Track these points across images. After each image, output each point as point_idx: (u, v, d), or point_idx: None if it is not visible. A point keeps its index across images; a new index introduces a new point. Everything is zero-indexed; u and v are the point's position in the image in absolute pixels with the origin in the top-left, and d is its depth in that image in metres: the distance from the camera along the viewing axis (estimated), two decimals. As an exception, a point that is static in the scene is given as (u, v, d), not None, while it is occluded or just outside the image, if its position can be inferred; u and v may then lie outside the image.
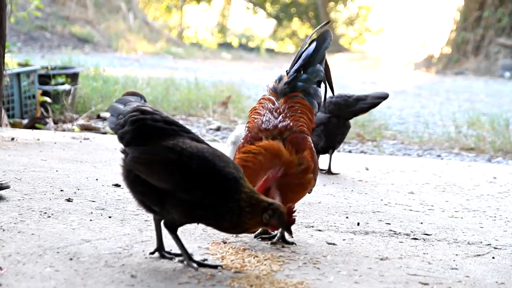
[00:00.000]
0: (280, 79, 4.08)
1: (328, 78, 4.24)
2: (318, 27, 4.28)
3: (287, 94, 4.01)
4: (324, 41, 4.17)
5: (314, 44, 4.13)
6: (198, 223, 3.38)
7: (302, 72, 4.08)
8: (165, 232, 3.43)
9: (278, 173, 3.67)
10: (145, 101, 3.54)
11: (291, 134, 3.82)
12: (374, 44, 37.53)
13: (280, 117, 3.89)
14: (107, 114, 9.72)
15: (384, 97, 6.31)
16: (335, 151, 6.42)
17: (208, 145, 3.34)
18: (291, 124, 3.86)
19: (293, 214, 3.35)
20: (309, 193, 4.00)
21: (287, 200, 3.67)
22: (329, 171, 6.19)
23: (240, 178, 3.25)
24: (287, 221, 3.32)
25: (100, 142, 7.03)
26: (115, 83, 11.82)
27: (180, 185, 3.19)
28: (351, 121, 6.44)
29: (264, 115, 3.92)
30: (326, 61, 4.23)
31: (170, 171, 3.20)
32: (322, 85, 4.22)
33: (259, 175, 3.68)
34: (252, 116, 3.98)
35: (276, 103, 3.98)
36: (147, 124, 3.30)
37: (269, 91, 4.07)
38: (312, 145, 3.92)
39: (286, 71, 4.13)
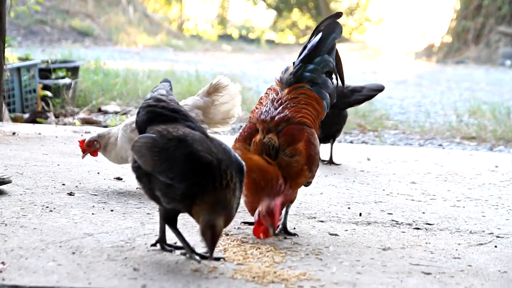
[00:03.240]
0: (286, 69, 4.06)
1: (339, 70, 4.21)
2: (327, 17, 4.22)
3: (292, 84, 3.99)
4: (331, 32, 4.12)
5: (319, 35, 4.10)
6: (177, 207, 3.35)
7: (308, 62, 4.04)
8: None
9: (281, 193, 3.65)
10: (170, 87, 3.66)
11: (287, 126, 3.80)
12: (375, 34, 37.46)
13: (280, 108, 3.87)
14: (108, 108, 9.74)
15: (380, 89, 6.32)
16: (336, 141, 6.40)
17: (204, 133, 3.35)
18: (289, 115, 3.84)
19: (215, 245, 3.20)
20: (306, 186, 3.99)
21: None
22: (330, 161, 6.19)
23: (222, 170, 3.20)
24: (209, 244, 3.19)
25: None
26: (115, 77, 11.81)
27: (158, 166, 3.22)
28: (351, 111, 6.42)
29: (265, 106, 3.92)
30: (337, 52, 4.19)
31: (152, 153, 3.25)
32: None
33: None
34: (256, 105, 3.99)
35: (280, 93, 3.97)
36: (153, 111, 3.43)
37: (276, 81, 4.06)
38: (313, 136, 3.89)
39: (293, 62, 4.11)
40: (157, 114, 3.42)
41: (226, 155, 3.25)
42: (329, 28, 4.12)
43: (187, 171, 3.18)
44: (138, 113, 3.52)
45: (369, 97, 6.30)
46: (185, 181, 3.17)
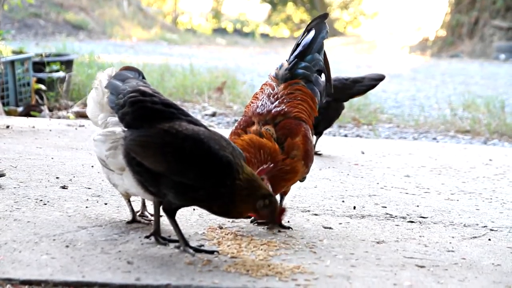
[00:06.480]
0: (281, 66, 4.06)
1: (327, 70, 4.22)
2: (316, 17, 4.24)
3: (288, 80, 3.99)
4: (321, 31, 4.14)
5: (312, 32, 4.11)
6: (192, 205, 3.36)
7: (301, 59, 4.05)
8: (163, 218, 3.43)
9: (269, 168, 3.61)
10: (143, 77, 3.54)
11: (284, 120, 3.80)
12: (369, 28, 37.49)
13: (276, 102, 3.87)
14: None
15: (381, 78, 6.35)
16: (330, 134, 6.43)
17: (206, 128, 3.33)
18: (285, 109, 3.84)
19: (282, 216, 3.46)
20: (301, 181, 3.98)
21: (279, 187, 3.68)
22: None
23: (236, 163, 3.22)
24: (275, 218, 3.36)
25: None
26: (110, 70, 11.76)
27: (173, 167, 3.18)
28: (346, 105, 6.46)
29: (261, 100, 3.91)
30: (324, 52, 4.20)
31: (164, 153, 3.19)
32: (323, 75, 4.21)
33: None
34: (251, 100, 3.98)
35: (275, 88, 3.97)
36: (146, 107, 3.30)
37: (271, 78, 4.05)
38: (309, 132, 3.89)
39: (286, 59, 4.11)
40: (149, 109, 3.28)
41: (231, 146, 3.29)
42: (319, 28, 4.14)
43: (207, 171, 3.16)
44: (122, 105, 3.33)
45: (371, 87, 6.34)
46: (208, 181, 3.16)
